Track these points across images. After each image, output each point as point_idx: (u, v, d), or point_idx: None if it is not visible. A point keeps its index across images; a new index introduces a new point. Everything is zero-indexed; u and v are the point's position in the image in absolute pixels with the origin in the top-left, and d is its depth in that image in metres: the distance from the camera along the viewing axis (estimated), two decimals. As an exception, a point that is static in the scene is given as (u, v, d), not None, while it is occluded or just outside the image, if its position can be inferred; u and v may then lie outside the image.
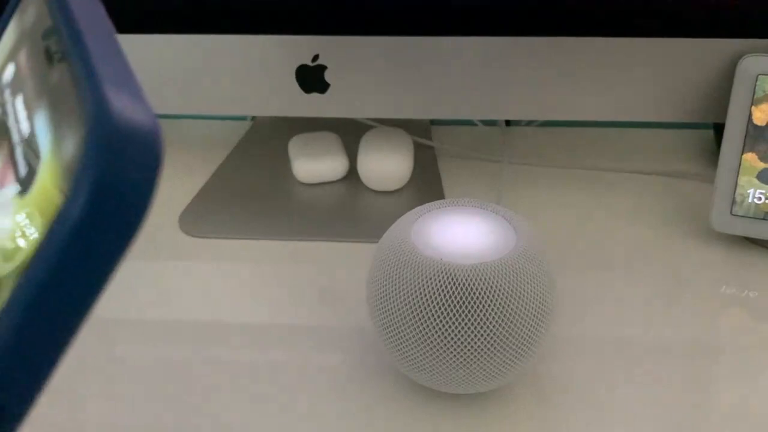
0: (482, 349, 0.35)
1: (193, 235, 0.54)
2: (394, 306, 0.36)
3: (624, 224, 0.55)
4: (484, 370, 0.35)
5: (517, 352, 0.35)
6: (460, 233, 0.37)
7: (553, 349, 0.43)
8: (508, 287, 0.35)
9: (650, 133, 0.70)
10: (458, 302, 0.34)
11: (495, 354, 0.35)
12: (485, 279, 0.34)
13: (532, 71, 0.53)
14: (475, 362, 0.35)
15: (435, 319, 0.35)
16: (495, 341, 0.35)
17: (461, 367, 0.35)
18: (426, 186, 0.60)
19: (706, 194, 0.59)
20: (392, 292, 0.36)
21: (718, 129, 0.65)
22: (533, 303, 0.35)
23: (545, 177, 0.62)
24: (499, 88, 0.54)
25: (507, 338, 0.35)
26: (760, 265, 0.50)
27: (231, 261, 0.51)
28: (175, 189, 0.60)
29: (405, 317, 0.35)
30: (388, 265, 0.37)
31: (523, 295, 0.35)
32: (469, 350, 0.35)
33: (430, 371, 0.36)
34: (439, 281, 0.35)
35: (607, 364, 0.41)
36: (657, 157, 0.65)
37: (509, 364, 0.36)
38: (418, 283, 0.35)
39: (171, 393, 0.40)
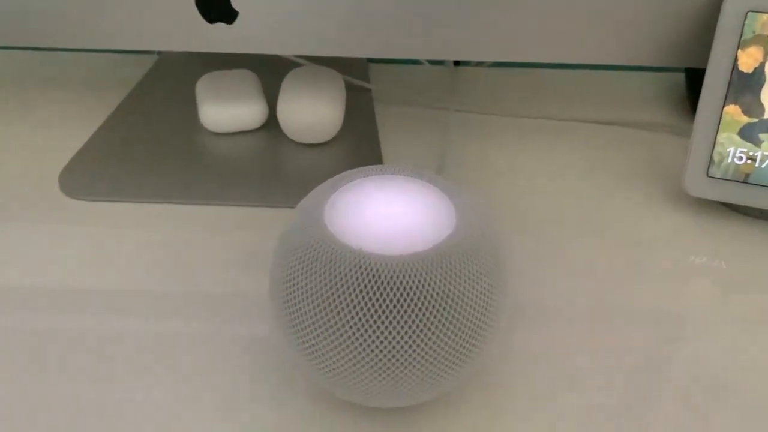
0: (411, 359, 0.27)
1: (74, 197, 0.45)
2: (302, 306, 0.28)
3: (584, 183, 0.48)
4: (413, 381, 0.28)
5: (453, 360, 0.28)
6: (386, 213, 0.29)
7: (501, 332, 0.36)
8: (444, 285, 0.27)
9: (613, 76, 0.62)
10: (380, 303, 0.27)
11: (427, 364, 0.28)
12: (414, 274, 0.27)
13: (485, 3, 0.44)
14: (403, 373, 0.28)
15: (351, 323, 0.27)
16: (426, 349, 0.27)
17: (386, 380, 0.28)
18: (360, 138, 0.51)
19: (677, 149, 0.52)
20: (299, 288, 0.28)
21: (691, 72, 0.57)
22: (475, 303, 0.28)
23: (497, 127, 0.54)
24: (448, 23, 0.45)
25: (440, 346, 0.27)
26: (735, 233, 0.44)
27: (119, 228, 0.42)
28: (57, 139, 0.50)
29: (315, 320, 0.27)
30: (295, 254, 0.28)
31: (463, 294, 0.27)
32: (394, 360, 0.27)
33: (348, 383, 0.28)
34: (357, 277, 0.27)
35: (563, 339, 0.35)
36: (621, 105, 0.58)
37: (442, 375, 0.28)
38: (331, 279, 0.27)
39: (55, 365, 0.31)
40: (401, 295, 0.27)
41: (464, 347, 0.28)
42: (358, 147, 0.50)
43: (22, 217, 0.43)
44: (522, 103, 0.57)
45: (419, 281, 0.27)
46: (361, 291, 0.27)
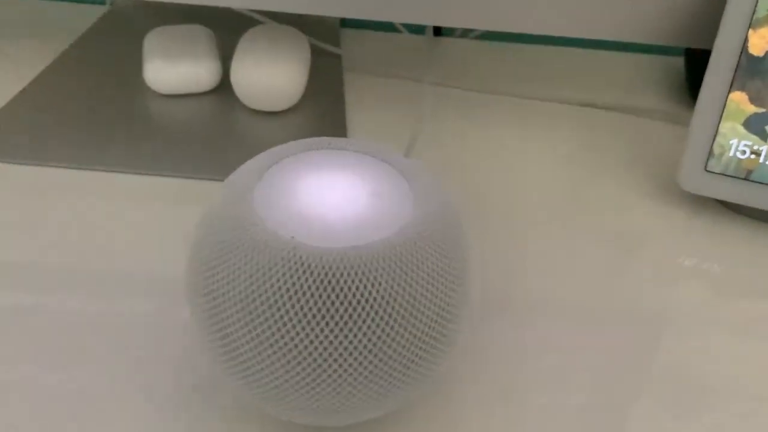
0: (348, 370, 0.23)
1: (-9, 158, 0.39)
2: (220, 302, 0.23)
3: (568, 171, 0.43)
4: (353, 396, 0.23)
5: (401, 373, 0.23)
6: (330, 196, 0.24)
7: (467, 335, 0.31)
8: (391, 285, 0.22)
9: (607, 56, 0.57)
10: (312, 304, 0.22)
11: (369, 377, 0.23)
12: (354, 271, 0.22)
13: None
14: (340, 387, 0.23)
15: (276, 326, 0.22)
16: (368, 360, 0.22)
17: (319, 394, 0.23)
18: (323, 109, 0.46)
19: (672, 139, 0.48)
20: (217, 281, 0.23)
21: (692, 55, 0.53)
22: (430, 306, 0.23)
23: (478, 104, 0.49)
24: None
25: (385, 357, 0.23)
26: (732, 235, 0.40)
27: (37, 194, 0.37)
28: (-19, 91, 0.44)
29: (235, 320, 0.23)
30: (215, 238, 0.23)
31: (414, 296, 0.23)
32: (328, 371, 0.22)
33: (278, 397, 0.24)
34: (284, 272, 0.22)
35: (534, 337, 0.30)
36: (613, 88, 0.53)
37: (388, 390, 0.24)
38: (253, 273, 0.22)
39: None
40: (338, 295, 0.22)
41: (414, 359, 0.23)
42: (321, 118, 0.45)
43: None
44: (507, 80, 0.52)
45: (360, 280, 0.22)
46: (288, 289, 0.22)
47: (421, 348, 0.23)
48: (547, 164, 0.44)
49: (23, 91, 0.45)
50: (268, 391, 0.23)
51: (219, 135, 0.42)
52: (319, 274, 0.22)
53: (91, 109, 0.44)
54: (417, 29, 0.57)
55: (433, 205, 0.24)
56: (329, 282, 0.22)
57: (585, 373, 0.30)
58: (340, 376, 0.23)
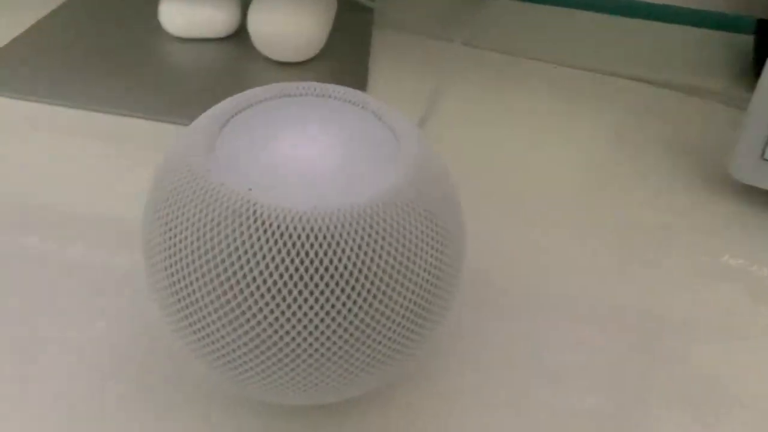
0: (305, 346, 0.20)
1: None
2: (173, 256, 0.20)
3: (607, 149, 0.39)
4: (321, 373, 0.20)
5: (376, 351, 0.21)
6: (301, 151, 0.21)
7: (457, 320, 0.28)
8: (357, 253, 0.19)
9: (667, 28, 0.52)
10: (265, 267, 0.19)
11: (340, 353, 0.20)
12: (315, 235, 0.19)
13: None
14: (304, 362, 0.20)
15: (228, 288, 0.19)
16: (324, 336, 0.20)
17: (286, 369, 0.20)
18: (345, 63, 0.43)
19: (730, 124, 0.43)
20: (169, 233, 0.20)
21: (763, 35, 0.47)
22: (404, 281, 0.20)
23: (511, 69, 0.45)
24: None
25: (354, 334, 0.20)
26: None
27: (37, 132, 0.35)
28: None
29: (188, 277, 0.20)
30: (168, 188, 0.21)
31: (386, 269, 0.19)
32: (292, 342, 0.20)
33: (243, 373, 0.21)
34: (239, 227, 0.19)
35: (534, 335, 0.27)
36: (670, 63, 0.48)
37: (361, 369, 0.21)
38: (204, 228, 0.19)
39: None
40: (299, 259, 0.19)
41: (391, 336, 0.20)
42: (341, 72, 0.42)
43: None
44: (548, 46, 0.48)
45: (321, 245, 0.19)
46: (238, 247, 0.19)
47: (398, 324, 0.20)
48: (584, 142, 0.39)
49: (34, 26, 0.43)
50: (237, 368, 0.21)
51: (231, 83, 0.40)
52: (273, 234, 0.19)
53: (101, 48, 0.42)
54: (461, -12, 0.53)
55: (420, 170, 0.21)
56: (285, 244, 0.19)
57: (602, 374, 0.26)
58: (293, 350, 0.20)
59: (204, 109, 0.23)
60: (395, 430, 0.24)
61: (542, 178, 0.36)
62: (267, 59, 0.42)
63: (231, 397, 0.24)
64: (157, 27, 0.44)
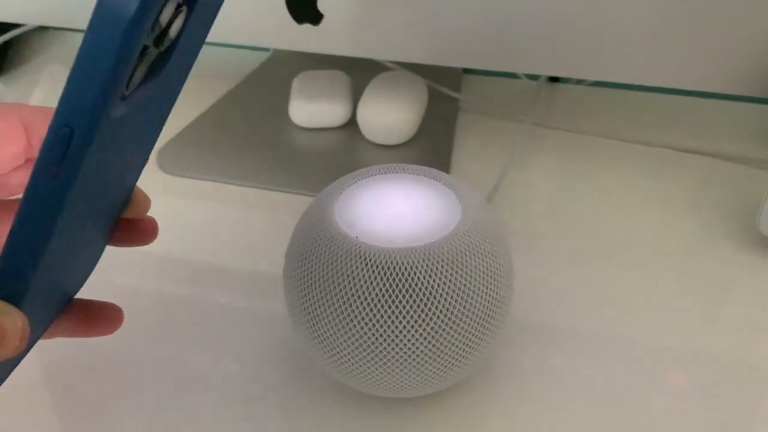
0: (409, 351, 0.29)
1: (167, 172, 0.50)
2: (306, 287, 0.30)
3: (652, 211, 0.46)
4: (413, 374, 0.29)
5: (453, 356, 0.29)
6: (391, 208, 0.31)
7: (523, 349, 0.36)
8: (435, 279, 0.28)
9: (708, 103, 0.59)
10: (369, 294, 0.28)
11: (424, 360, 0.29)
12: (406, 267, 0.28)
13: (579, 20, 0.44)
14: (402, 366, 0.29)
15: (345, 310, 0.29)
16: (419, 343, 0.28)
17: (385, 370, 0.29)
18: (434, 144, 0.53)
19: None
20: (302, 269, 0.30)
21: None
22: (475, 298, 0.28)
23: (574, 145, 0.53)
24: (551, 39, 0.44)
25: (438, 342, 0.28)
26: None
27: (200, 203, 0.47)
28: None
29: (317, 302, 0.30)
30: (303, 237, 0.31)
31: (457, 291, 0.28)
32: (393, 350, 0.29)
33: (350, 370, 0.30)
34: (350, 265, 0.28)
35: (589, 372, 0.34)
36: (710, 133, 0.55)
37: (443, 371, 0.30)
38: (327, 265, 0.29)
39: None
40: (390, 287, 0.28)
41: (467, 343, 0.29)
42: (430, 152, 0.52)
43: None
44: (607, 124, 0.56)
45: (410, 274, 0.28)
46: (350, 279, 0.28)
47: (473, 334, 0.29)
48: (628, 203, 0.47)
49: (197, 120, 0.56)
50: (347, 367, 0.30)
51: (342, 162, 0.51)
52: (375, 268, 0.28)
53: (245, 137, 0.54)
54: (535, 76, 0.62)
55: (477, 216, 0.30)
56: (383, 275, 0.28)
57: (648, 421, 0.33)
58: (394, 356, 0.29)
59: (324, 184, 0.34)
60: (464, 415, 0.32)
61: (596, 232, 0.44)
62: (371, 143, 0.53)
63: (344, 390, 0.34)
64: (288, 120, 0.56)
